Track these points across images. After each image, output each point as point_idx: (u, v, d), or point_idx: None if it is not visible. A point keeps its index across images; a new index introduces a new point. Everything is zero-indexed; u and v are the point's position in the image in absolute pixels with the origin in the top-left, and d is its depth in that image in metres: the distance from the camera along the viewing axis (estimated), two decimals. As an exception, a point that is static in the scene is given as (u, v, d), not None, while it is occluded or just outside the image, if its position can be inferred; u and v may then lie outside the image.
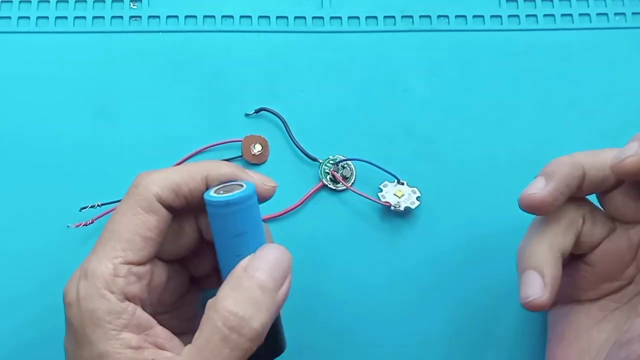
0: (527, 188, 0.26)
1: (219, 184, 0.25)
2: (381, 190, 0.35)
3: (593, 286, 0.28)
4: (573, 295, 0.28)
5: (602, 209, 0.28)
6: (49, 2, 0.38)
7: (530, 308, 0.25)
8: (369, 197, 0.34)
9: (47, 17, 0.38)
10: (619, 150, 0.26)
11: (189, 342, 0.23)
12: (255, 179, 0.26)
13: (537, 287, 0.25)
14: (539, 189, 0.26)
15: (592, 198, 0.28)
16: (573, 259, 0.29)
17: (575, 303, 0.29)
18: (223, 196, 0.24)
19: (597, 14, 0.40)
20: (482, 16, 0.39)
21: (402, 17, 0.39)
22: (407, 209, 0.34)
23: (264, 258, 0.24)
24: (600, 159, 0.26)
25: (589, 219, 0.27)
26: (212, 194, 0.24)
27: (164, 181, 0.25)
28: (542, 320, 0.31)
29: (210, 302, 0.23)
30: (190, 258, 0.28)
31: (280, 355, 0.30)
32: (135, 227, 0.24)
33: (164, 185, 0.24)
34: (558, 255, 0.26)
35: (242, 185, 0.25)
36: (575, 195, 0.27)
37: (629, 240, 0.27)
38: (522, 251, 0.27)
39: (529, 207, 0.26)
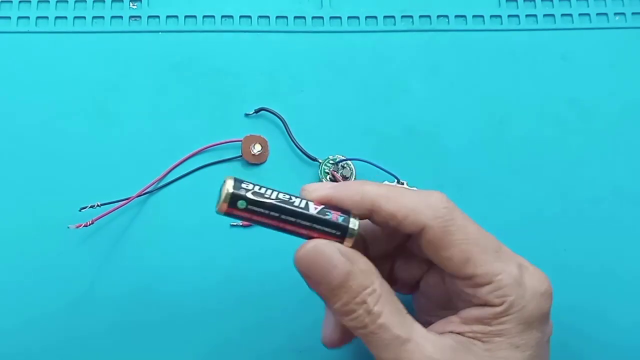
0: None
1: None
2: (381, 190, 0.34)
3: (433, 313, 0.28)
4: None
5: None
6: (48, 2, 0.38)
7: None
8: (369, 197, 0.34)
9: (46, 17, 0.38)
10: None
11: None
12: None
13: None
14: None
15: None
16: (414, 290, 0.29)
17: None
18: None
19: (597, 14, 0.40)
20: (482, 16, 0.39)
21: (402, 17, 0.39)
22: (407, 209, 0.34)
23: None
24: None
25: (402, 259, 0.29)
26: None
27: None
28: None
29: None
30: None
31: (281, 356, 0.30)
32: None
33: None
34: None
35: None
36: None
37: (441, 274, 0.27)
38: None
39: None
